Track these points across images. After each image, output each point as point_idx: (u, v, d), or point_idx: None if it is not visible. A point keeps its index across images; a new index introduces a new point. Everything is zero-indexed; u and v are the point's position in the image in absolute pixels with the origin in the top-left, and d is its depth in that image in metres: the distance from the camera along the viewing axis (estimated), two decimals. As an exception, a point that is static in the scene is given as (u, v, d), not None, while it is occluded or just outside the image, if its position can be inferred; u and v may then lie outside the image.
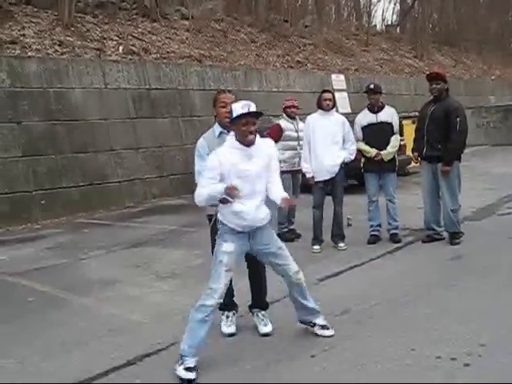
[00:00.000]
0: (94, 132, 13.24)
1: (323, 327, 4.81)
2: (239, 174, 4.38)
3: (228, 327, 5.10)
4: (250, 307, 5.22)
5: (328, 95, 7.73)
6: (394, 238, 7.90)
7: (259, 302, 5.20)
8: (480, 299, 5.43)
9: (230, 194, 4.25)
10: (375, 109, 7.90)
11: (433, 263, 6.86)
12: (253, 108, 4.35)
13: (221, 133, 5.01)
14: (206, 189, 4.36)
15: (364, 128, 7.93)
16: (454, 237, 7.55)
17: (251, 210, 4.43)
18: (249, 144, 4.40)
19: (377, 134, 7.81)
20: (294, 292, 4.78)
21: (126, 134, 13.89)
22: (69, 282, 7.08)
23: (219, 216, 4.57)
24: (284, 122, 8.57)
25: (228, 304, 5.11)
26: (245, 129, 4.32)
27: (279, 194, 4.58)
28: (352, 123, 8.04)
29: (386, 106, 8.00)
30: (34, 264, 8.07)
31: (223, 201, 4.33)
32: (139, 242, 9.15)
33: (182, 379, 4.21)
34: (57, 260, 8.27)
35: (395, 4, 37.72)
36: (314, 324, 4.83)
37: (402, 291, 5.81)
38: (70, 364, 4.63)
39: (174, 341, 4.90)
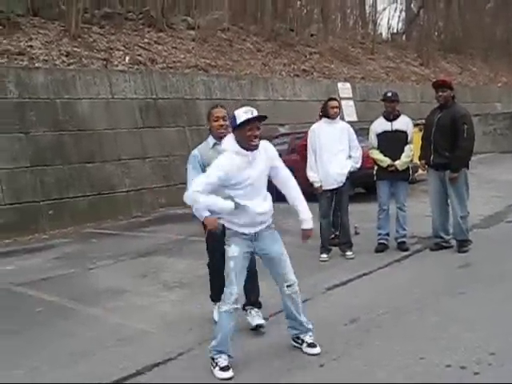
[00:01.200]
0: (101, 142, 13.30)
1: (310, 345, 4.72)
2: (240, 180, 4.43)
3: None
4: (245, 305, 5.30)
5: (335, 103, 7.73)
6: (402, 247, 7.88)
7: (255, 301, 5.43)
8: (489, 307, 5.40)
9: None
10: (391, 117, 7.88)
11: (441, 271, 6.83)
12: (256, 113, 4.41)
13: (215, 144, 5.32)
14: (211, 199, 4.42)
15: (378, 135, 7.92)
16: (463, 245, 7.52)
17: (253, 207, 4.48)
18: (253, 148, 4.44)
19: (391, 142, 7.80)
20: (287, 303, 4.76)
21: (133, 144, 13.94)
22: (77, 292, 7.08)
23: (223, 221, 4.66)
24: None
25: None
26: (250, 133, 4.37)
27: (306, 216, 4.72)
28: (357, 132, 8.04)
29: (402, 115, 7.96)
30: (41, 274, 8.08)
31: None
32: (147, 251, 9.16)
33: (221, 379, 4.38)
34: (64, 270, 8.28)
35: (401, 12, 37.86)
36: (302, 341, 4.76)
37: (411, 299, 5.79)
38: (78, 374, 4.63)
39: (183, 350, 4.92)
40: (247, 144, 4.41)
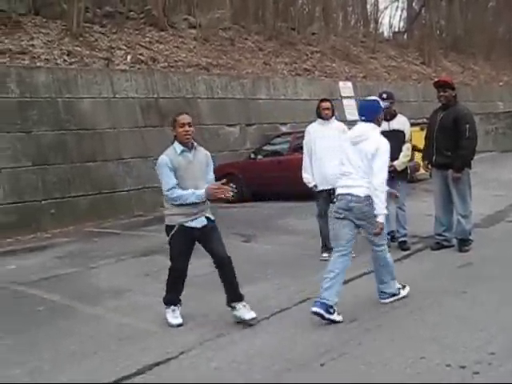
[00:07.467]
0: (102, 141, 13.31)
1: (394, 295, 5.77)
2: None
3: (175, 318, 5.58)
4: (229, 302, 5.53)
5: (326, 104, 7.76)
6: (403, 246, 7.89)
7: (236, 295, 5.53)
8: (489, 307, 5.41)
9: None
10: (388, 117, 7.89)
11: (442, 271, 6.84)
12: None
13: (183, 151, 5.40)
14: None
15: None
16: (464, 244, 7.53)
17: None
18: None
19: (389, 142, 7.79)
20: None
21: (135, 143, 13.94)
22: (78, 292, 7.09)
23: None
24: None
25: (176, 299, 5.68)
26: None
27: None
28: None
29: (399, 115, 8.00)
30: (43, 273, 8.09)
31: None
32: (148, 250, 9.15)
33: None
34: (66, 269, 8.29)
35: (402, 11, 37.76)
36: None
37: (411, 299, 5.80)
38: (80, 374, 4.64)
39: (183, 350, 4.92)
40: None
